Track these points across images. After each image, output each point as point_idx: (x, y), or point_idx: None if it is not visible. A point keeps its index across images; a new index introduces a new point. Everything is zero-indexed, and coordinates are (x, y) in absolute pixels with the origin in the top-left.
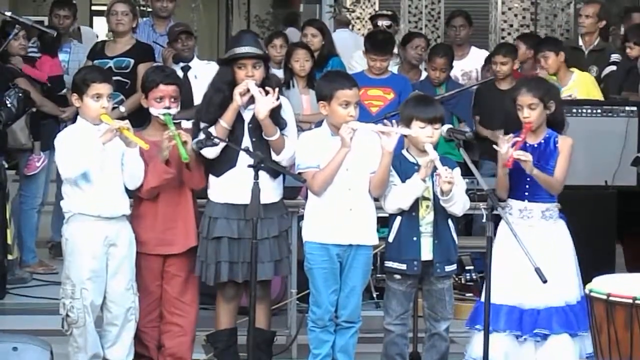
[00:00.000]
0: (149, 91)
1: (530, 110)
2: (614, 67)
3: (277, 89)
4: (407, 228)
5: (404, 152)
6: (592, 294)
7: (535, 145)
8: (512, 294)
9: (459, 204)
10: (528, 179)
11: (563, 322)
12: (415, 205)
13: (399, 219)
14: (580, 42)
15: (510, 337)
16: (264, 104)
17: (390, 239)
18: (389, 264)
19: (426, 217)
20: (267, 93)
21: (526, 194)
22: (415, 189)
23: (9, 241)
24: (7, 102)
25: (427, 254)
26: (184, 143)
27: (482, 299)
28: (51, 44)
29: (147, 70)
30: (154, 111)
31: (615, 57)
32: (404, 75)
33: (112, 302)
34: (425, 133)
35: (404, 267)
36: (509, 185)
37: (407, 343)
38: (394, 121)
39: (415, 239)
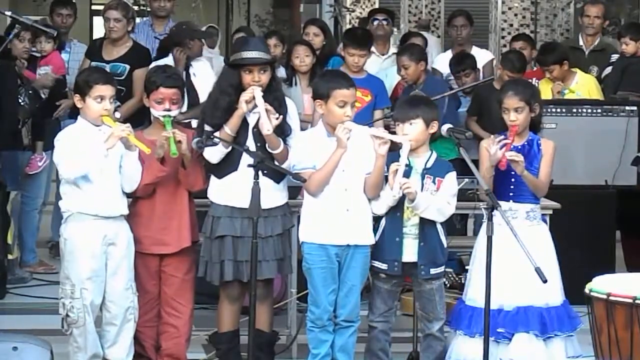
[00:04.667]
0: (149, 92)
1: (517, 114)
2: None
3: (278, 117)
4: (391, 228)
5: (401, 151)
6: (592, 293)
7: (520, 147)
8: (492, 295)
9: (431, 211)
10: (513, 180)
11: (529, 322)
12: (400, 207)
13: (384, 218)
14: (581, 42)
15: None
16: (267, 122)
17: (376, 238)
18: (373, 262)
19: (412, 218)
20: (272, 103)
21: (511, 194)
22: (385, 197)
23: (9, 241)
24: (20, 100)
25: (410, 255)
26: (178, 142)
27: (464, 298)
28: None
29: (149, 70)
30: (154, 112)
31: (616, 57)
32: (379, 77)
33: (111, 301)
34: (400, 131)
35: (385, 267)
36: (494, 186)
37: (390, 340)
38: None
39: (397, 239)
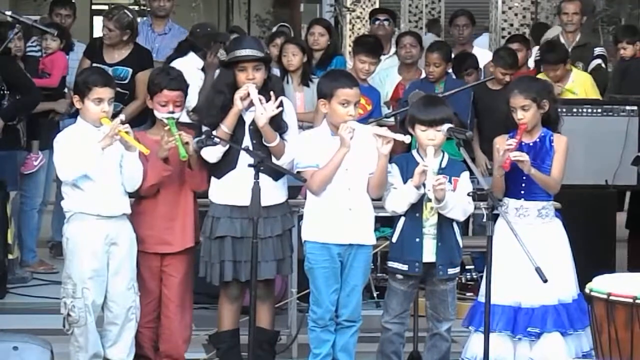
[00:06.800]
0: (153, 95)
1: (524, 112)
2: (599, 61)
3: (278, 99)
4: (410, 229)
5: (414, 152)
6: (592, 293)
7: (531, 144)
8: (509, 293)
9: (456, 210)
10: (524, 177)
11: (555, 321)
12: (419, 207)
13: (402, 219)
14: (562, 40)
15: (505, 336)
16: (263, 112)
17: (394, 239)
18: (391, 264)
19: (430, 218)
20: (267, 99)
21: (522, 192)
22: (408, 196)
23: (10, 241)
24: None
25: (429, 255)
26: (186, 144)
27: (479, 298)
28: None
29: (152, 72)
30: (158, 114)
31: (599, 50)
32: (377, 89)
33: (113, 301)
34: (426, 136)
35: (405, 267)
36: (505, 184)
37: (404, 342)
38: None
39: (417, 240)
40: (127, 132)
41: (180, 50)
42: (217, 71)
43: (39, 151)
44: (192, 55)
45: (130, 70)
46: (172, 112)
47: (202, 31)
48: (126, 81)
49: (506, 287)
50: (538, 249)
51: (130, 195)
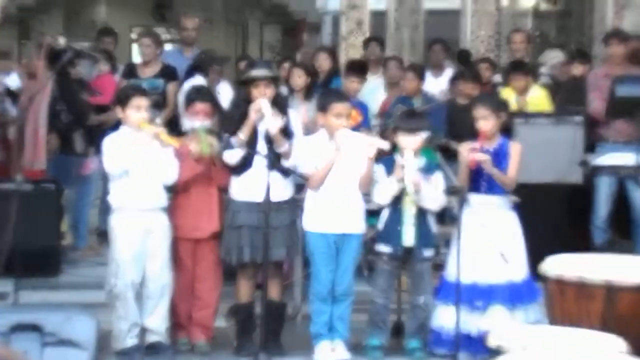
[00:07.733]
0: (187, 107)
1: (485, 121)
2: (545, 79)
3: (281, 116)
4: (393, 218)
5: (396, 156)
6: (545, 273)
7: (491, 150)
8: (468, 272)
9: (429, 201)
10: (485, 176)
11: (502, 296)
12: (400, 200)
13: (387, 210)
14: None
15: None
16: (273, 124)
17: (380, 227)
18: (378, 247)
19: (409, 209)
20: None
21: (483, 188)
22: (391, 188)
23: (63, 229)
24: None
25: (409, 240)
26: (210, 145)
27: (446, 276)
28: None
29: (188, 90)
30: (191, 123)
31: (544, 69)
32: (366, 104)
33: (149, 279)
34: (405, 141)
35: (390, 250)
36: (471, 182)
37: (389, 312)
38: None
39: (399, 227)
40: (162, 132)
41: (188, 73)
42: (221, 85)
43: (94, 156)
44: (197, 76)
45: (163, 81)
46: (203, 121)
47: (199, 57)
48: (160, 90)
49: (466, 267)
50: (494, 237)
51: (168, 191)
